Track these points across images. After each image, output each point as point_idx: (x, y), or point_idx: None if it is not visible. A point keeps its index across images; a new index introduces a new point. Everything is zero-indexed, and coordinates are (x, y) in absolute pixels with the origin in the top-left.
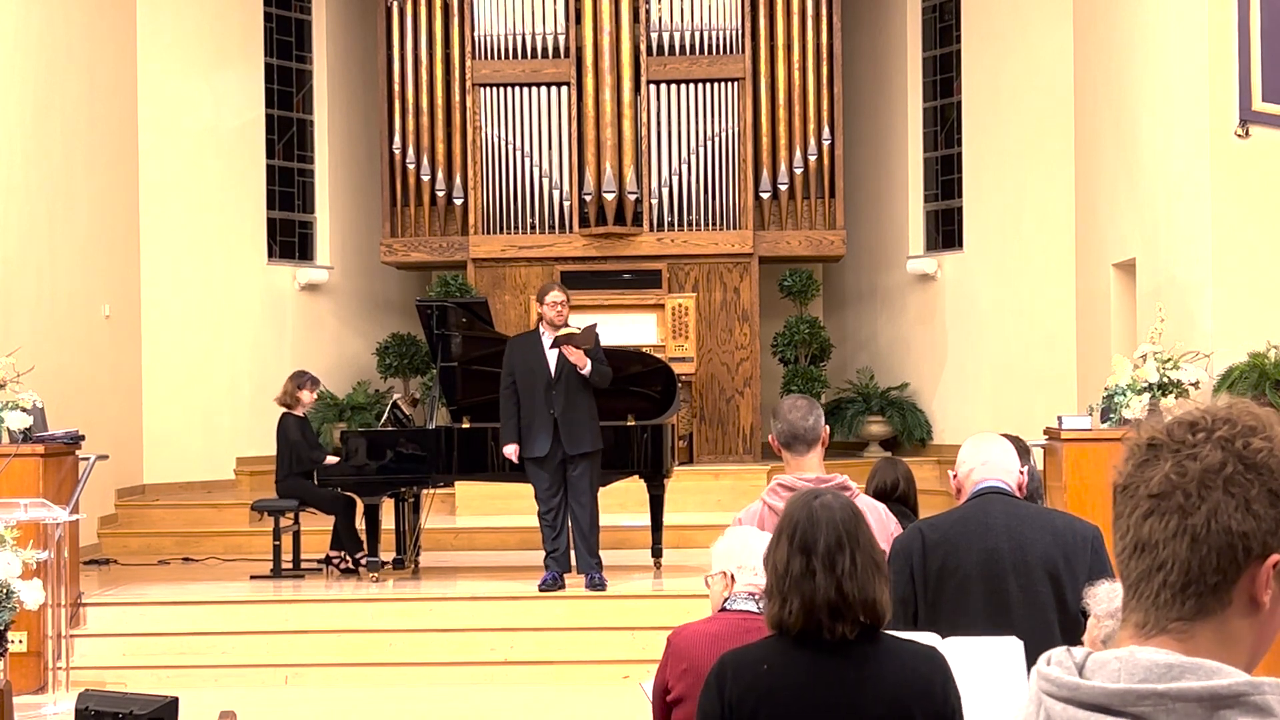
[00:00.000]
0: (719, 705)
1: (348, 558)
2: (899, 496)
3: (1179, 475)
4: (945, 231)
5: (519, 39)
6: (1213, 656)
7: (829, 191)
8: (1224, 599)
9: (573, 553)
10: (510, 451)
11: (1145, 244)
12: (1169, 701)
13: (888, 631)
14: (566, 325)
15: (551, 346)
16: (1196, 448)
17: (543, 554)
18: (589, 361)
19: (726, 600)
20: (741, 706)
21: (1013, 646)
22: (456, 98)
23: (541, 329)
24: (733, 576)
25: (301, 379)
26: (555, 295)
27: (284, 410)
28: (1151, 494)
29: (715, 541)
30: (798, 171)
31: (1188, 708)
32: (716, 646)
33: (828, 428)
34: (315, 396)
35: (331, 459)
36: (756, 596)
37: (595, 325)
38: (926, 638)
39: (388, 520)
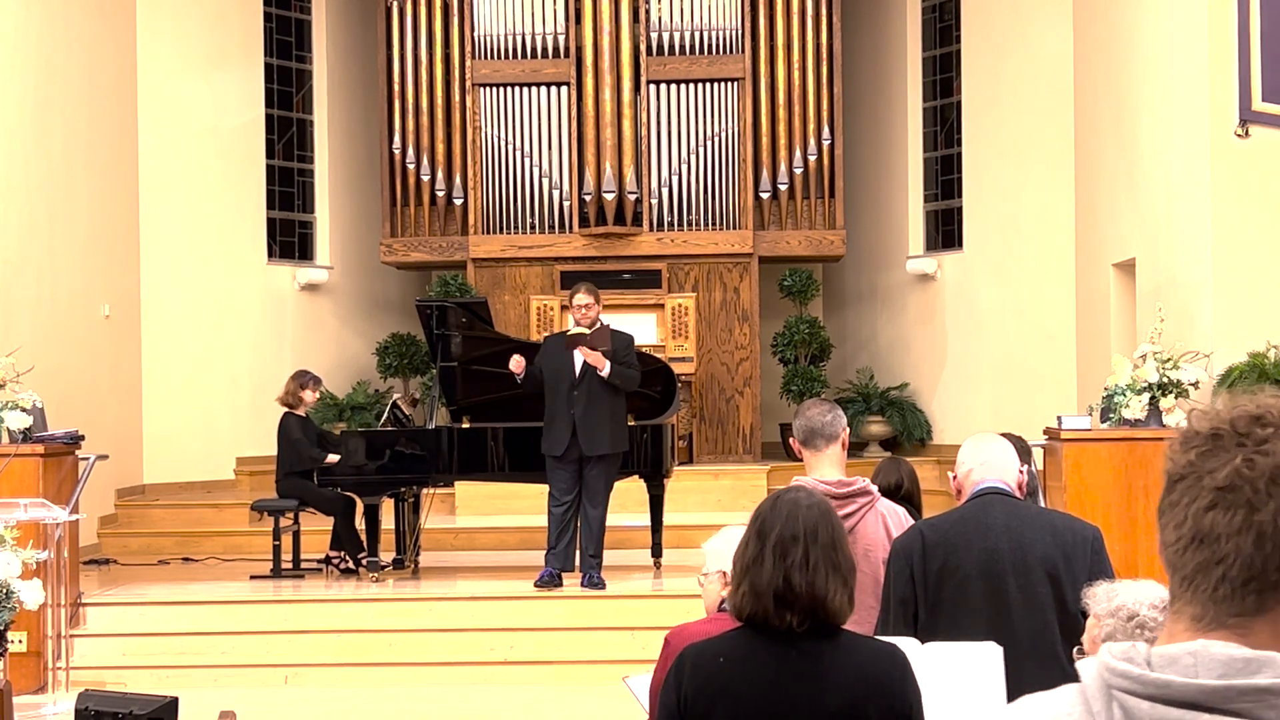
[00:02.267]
0: (675, 697)
1: (348, 558)
2: (903, 496)
3: (1249, 469)
4: (945, 231)
5: (519, 39)
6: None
7: (829, 191)
8: None
9: (576, 551)
10: (515, 361)
11: (1145, 244)
12: (1271, 697)
13: (848, 629)
14: (595, 325)
15: (566, 348)
16: (1267, 443)
17: (542, 553)
18: (607, 363)
19: (725, 601)
20: (697, 699)
21: (992, 652)
22: (456, 98)
23: (572, 329)
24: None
25: (304, 378)
26: (580, 298)
27: (285, 410)
28: (1218, 486)
29: (708, 540)
30: (797, 171)
31: None
32: None
33: (847, 429)
34: (317, 396)
35: (334, 457)
36: None
37: (607, 326)
38: (907, 644)
39: (388, 520)
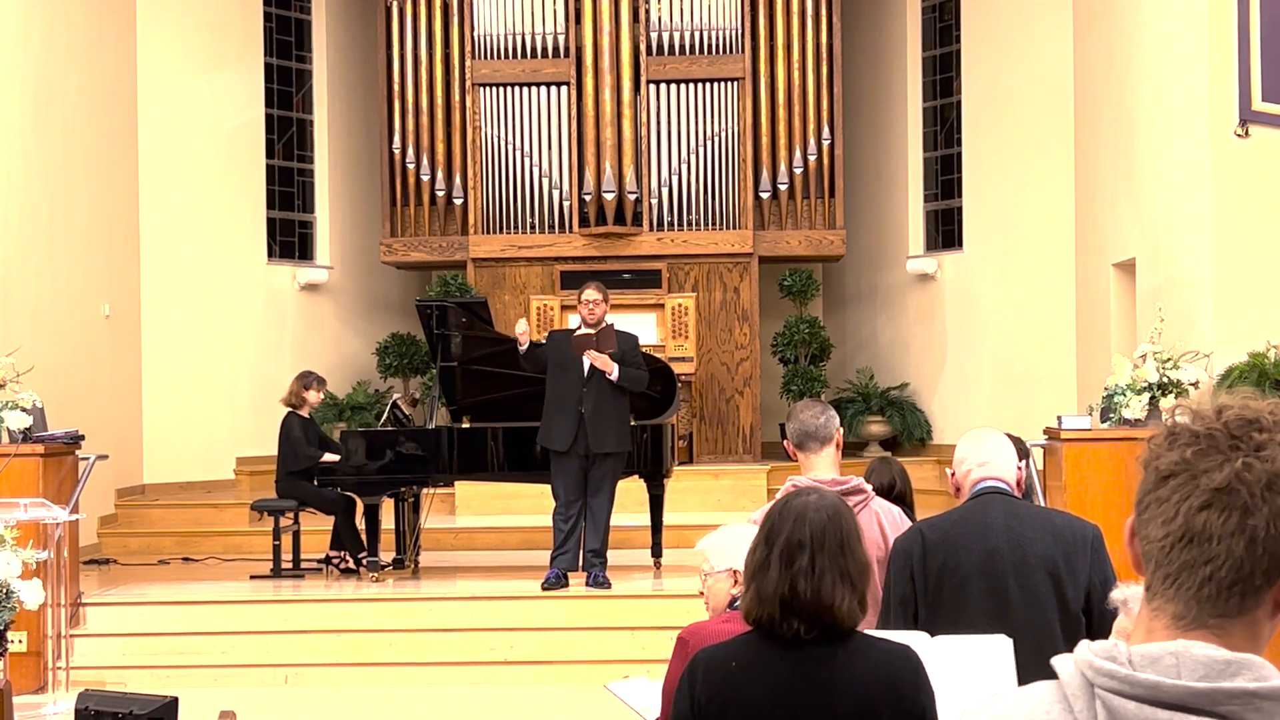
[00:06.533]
0: (689, 703)
1: (348, 557)
2: (896, 496)
3: (1248, 473)
4: (945, 231)
5: (519, 39)
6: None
7: (829, 191)
8: (1261, 600)
9: (581, 551)
10: (521, 330)
11: (1145, 244)
12: (1258, 700)
13: (863, 631)
14: (601, 324)
15: (573, 351)
16: (1264, 449)
17: (546, 554)
18: (615, 366)
19: (738, 600)
20: (710, 705)
21: (1002, 645)
22: (456, 98)
23: (581, 327)
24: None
25: (308, 379)
26: (587, 294)
27: (289, 410)
28: (1215, 487)
29: (705, 539)
30: (797, 171)
31: (1274, 706)
32: None
33: (841, 430)
34: (321, 397)
35: (330, 457)
36: None
37: (612, 325)
38: (916, 637)
39: (388, 520)
